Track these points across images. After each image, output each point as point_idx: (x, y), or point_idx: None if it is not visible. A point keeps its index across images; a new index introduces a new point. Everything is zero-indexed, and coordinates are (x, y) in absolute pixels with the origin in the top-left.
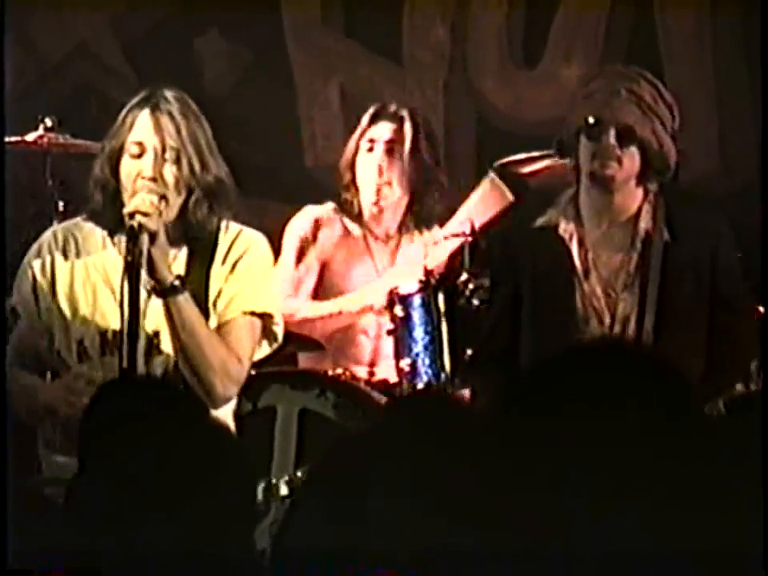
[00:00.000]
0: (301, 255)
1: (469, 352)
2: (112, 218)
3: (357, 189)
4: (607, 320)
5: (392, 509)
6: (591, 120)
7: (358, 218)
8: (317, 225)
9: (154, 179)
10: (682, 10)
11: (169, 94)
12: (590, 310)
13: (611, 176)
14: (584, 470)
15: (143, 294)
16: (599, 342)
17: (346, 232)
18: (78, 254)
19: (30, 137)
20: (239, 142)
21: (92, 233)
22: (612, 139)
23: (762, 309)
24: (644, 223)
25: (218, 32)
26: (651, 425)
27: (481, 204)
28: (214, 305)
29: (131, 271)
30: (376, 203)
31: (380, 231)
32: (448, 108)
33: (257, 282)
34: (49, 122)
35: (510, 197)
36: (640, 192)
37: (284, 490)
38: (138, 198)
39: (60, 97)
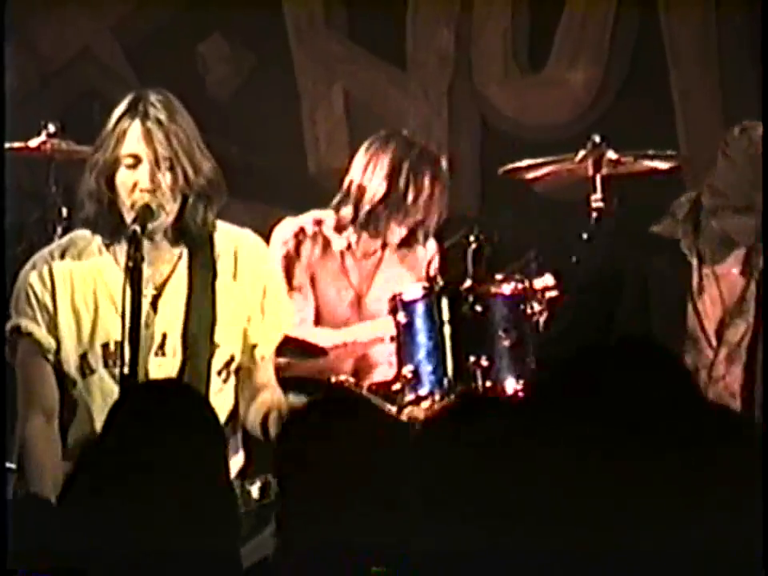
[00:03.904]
0: (290, 276)
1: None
2: (107, 228)
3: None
4: (714, 342)
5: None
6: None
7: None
8: (298, 239)
9: (151, 191)
10: (688, 13)
11: (153, 97)
12: (698, 330)
13: None
14: (583, 471)
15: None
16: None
17: (326, 245)
18: (74, 269)
19: (34, 142)
20: (241, 146)
21: (87, 246)
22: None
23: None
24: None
25: (220, 36)
26: (654, 425)
27: None
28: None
29: (132, 275)
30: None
31: (363, 247)
32: (452, 112)
33: (275, 312)
34: (51, 128)
35: None
36: None
37: (255, 494)
38: (138, 207)
39: (62, 102)
